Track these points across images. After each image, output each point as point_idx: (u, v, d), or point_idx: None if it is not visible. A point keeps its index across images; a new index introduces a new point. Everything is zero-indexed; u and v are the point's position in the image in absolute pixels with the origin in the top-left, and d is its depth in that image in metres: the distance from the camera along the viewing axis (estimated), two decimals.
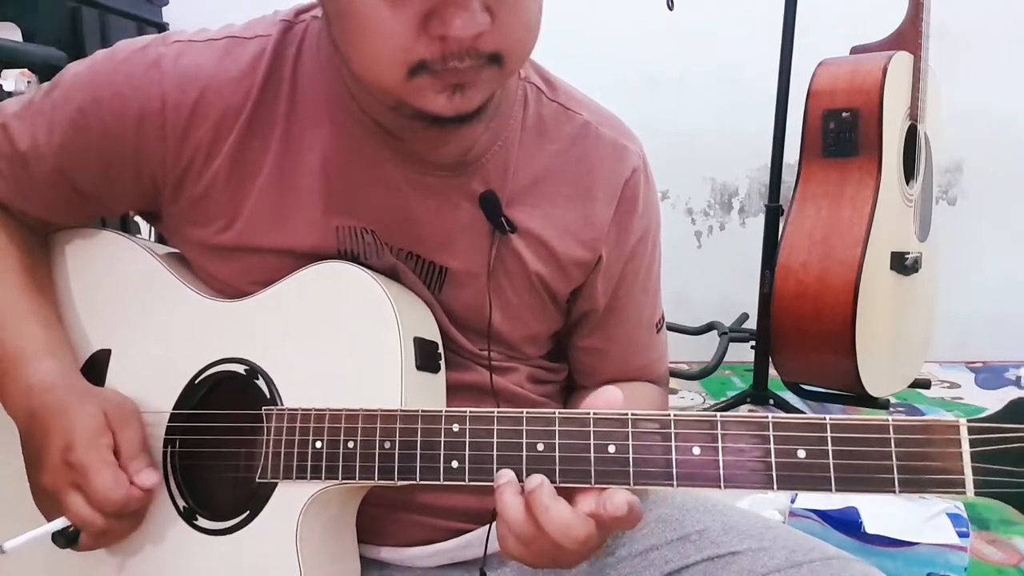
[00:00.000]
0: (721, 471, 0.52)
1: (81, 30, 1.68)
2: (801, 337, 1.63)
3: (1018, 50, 2.36)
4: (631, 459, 0.54)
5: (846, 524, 1.21)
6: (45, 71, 1.51)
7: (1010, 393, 2.28)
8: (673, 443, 0.53)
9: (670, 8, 1.68)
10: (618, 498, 0.52)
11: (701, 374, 2.01)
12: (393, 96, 0.57)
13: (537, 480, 0.54)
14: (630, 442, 0.54)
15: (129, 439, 0.63)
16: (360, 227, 0.67)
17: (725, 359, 2.07)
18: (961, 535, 1.17)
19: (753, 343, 1.91)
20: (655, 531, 0.72)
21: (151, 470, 0.63)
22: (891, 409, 2.04)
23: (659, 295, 0.82)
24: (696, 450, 0.53)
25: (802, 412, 1.89)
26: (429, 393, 0.65)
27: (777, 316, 1.65)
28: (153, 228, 0.75)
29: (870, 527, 1.19)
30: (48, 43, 1.57)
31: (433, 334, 0.67)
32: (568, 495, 0.55)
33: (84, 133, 0.65)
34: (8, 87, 1.48)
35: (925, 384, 1.94)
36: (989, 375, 2.43)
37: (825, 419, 0.51)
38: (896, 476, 0.50)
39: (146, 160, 0.65)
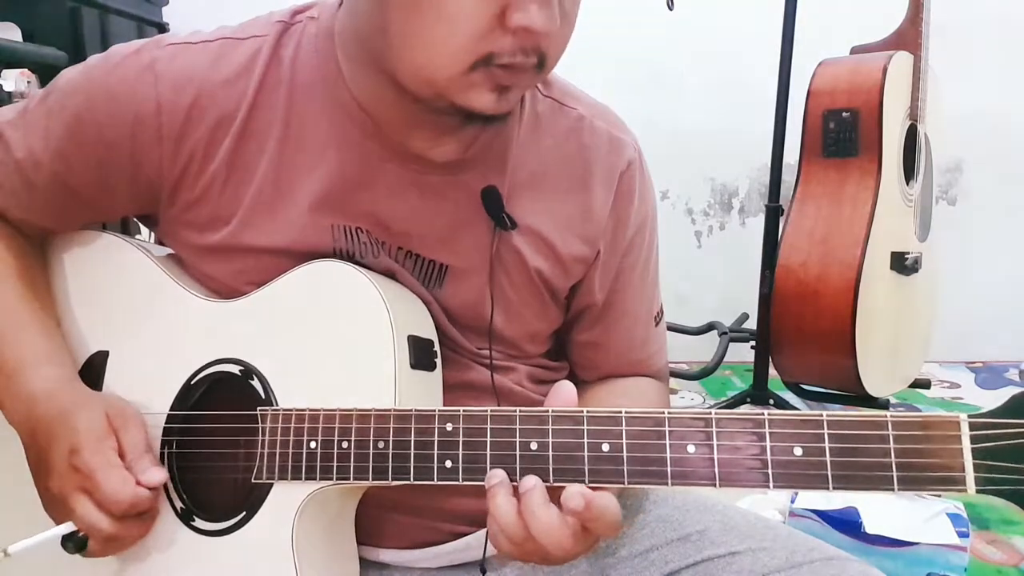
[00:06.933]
0: (716, 469, 0.52)
1: (81, 30, 1.67)
2: (801, 337, 1.63)
3: (1018, 50, 2.36)
4: (624, 457, 0.53)
5: (846, 524, 1.21)
6: (45, 71, 1.52)
7: (1011, 392, 2.28)
8: (667, 441, 0.53)
9: (670, 8, 1.68)
10: (571, 491, 0.52)
11: (701, 374, 2.01)
12: (438, 91, 0.58)
13: (530, 483, 0.54)
14: (624, 440, 0.53)
15: (133, 440, 0.63)
16: (355, 226, 0.67)
17: (725, 359, 2.07)
18: (961, 535, 1.17)
19: (753, 343, 1.91)
20: (655, 531, 0.72)
21: (157, 468, 0.63)
22: (891, 409, 2.05)
23: (657, 287, 0.82)
24: (691, 448, 0.52)
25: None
26: (424, 391, 0.65)
27: (777, 316, 1.65)
28: (151, 232, 0.75)
29: (870, 527, 1.19)
30: (48, 43, 1.57)
31: (429, 332, 0.67)
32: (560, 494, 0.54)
33: (80, 139, 0.65)
34: (8, 87, 1.48)
35: (925, 384, 1.94)
36: (989, 375, 2.43)
37: (822, 416, 0.50)
38: (895, 474, 0.49)
39: (142, 164, 0.65)
